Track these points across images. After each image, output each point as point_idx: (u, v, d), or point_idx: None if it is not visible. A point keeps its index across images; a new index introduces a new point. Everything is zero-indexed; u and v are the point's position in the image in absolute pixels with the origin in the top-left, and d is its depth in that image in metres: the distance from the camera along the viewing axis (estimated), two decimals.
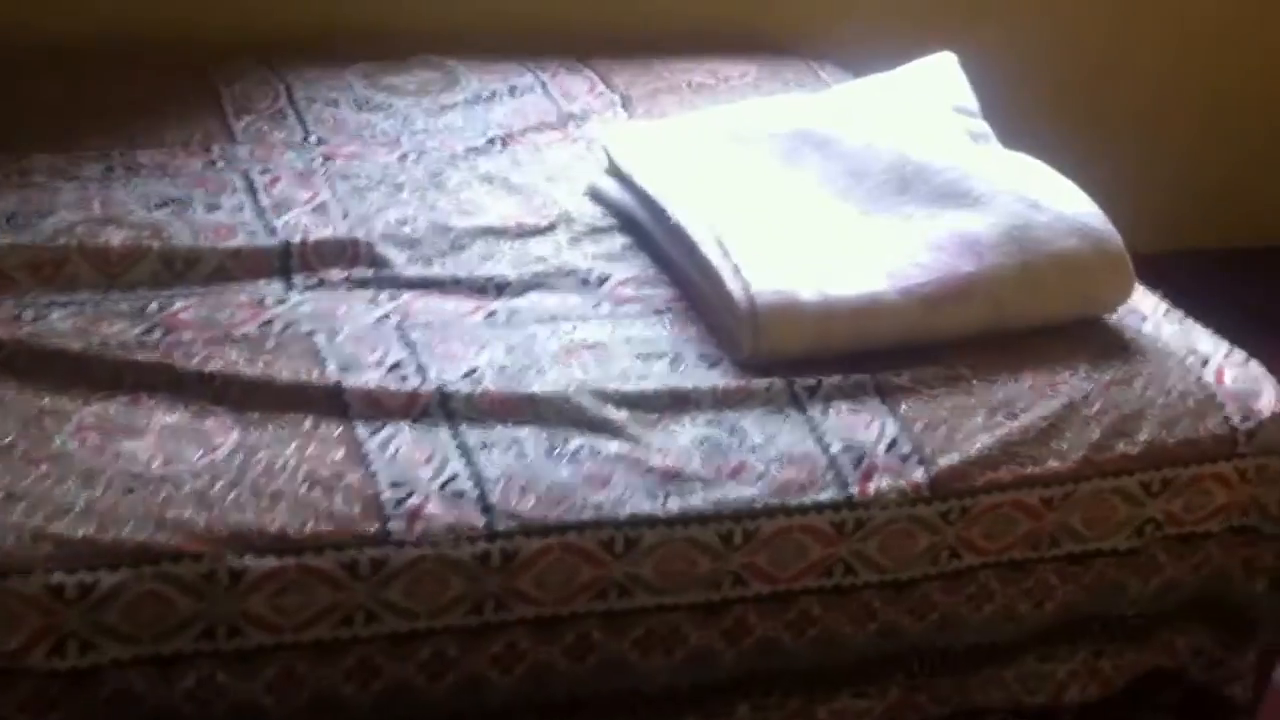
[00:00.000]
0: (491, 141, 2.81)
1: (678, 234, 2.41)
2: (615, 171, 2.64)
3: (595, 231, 2.57)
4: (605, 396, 2.14)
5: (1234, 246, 4.09)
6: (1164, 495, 2.25)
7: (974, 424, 2.20)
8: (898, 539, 2.12)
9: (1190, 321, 2.50)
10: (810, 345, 2.27)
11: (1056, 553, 2.22)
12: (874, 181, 2.50)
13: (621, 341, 2.28)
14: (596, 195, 2.65)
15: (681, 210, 2.43)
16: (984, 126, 2.71)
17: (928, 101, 2.73)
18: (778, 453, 2.11)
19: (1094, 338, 2.41)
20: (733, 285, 2.27)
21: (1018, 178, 2.48)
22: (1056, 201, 2.43)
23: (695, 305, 2.37)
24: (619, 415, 2.12)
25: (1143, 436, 2.25)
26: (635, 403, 2.15)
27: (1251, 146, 4.05)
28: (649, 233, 2.52)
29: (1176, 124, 3.94)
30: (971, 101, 2.79)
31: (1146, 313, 2.50)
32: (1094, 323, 2.44)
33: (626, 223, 2.57)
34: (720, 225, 2.38)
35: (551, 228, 2.55)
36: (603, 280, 2.43)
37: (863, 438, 2.16)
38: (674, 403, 2.16)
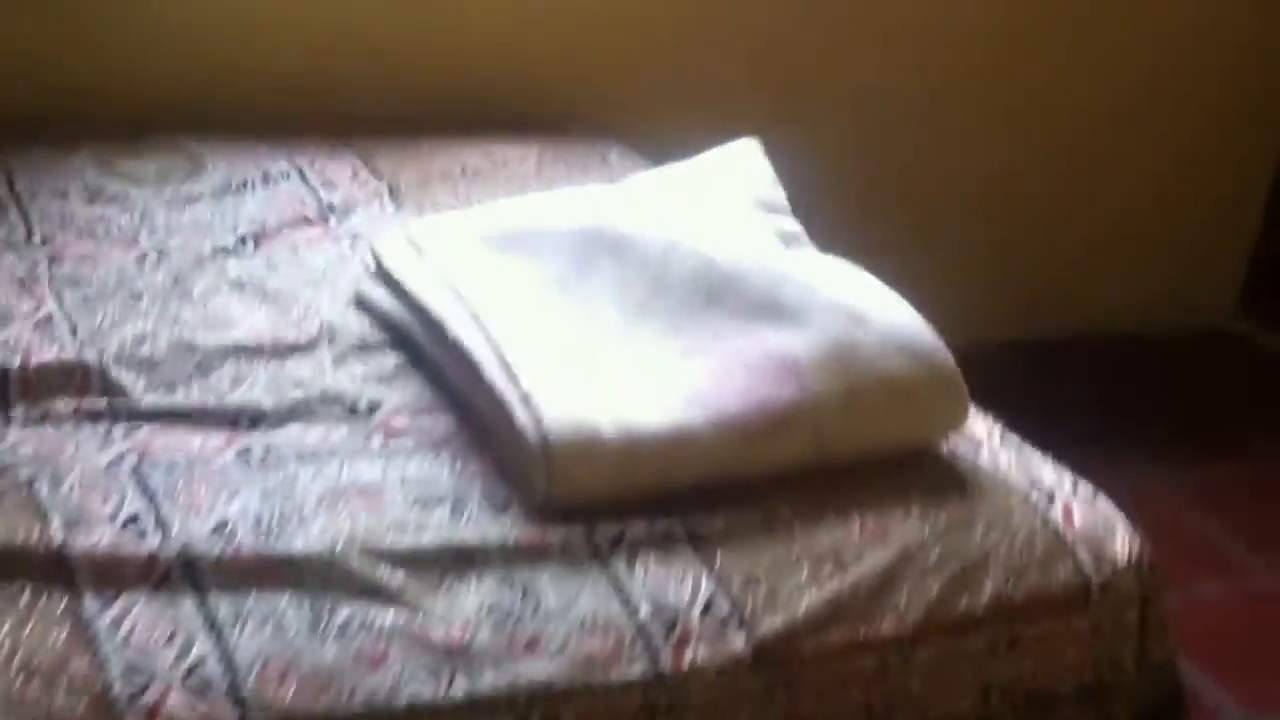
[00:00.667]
0: (243, 240, 2.50)
1: (457, 353, 2.12)
2: (385, 277, 2.33)
3: (363, 349, 2.26)
4: (378, 555, 1.84)
5: (1043, 338, 3.90)
6: (1011, 655, 2.00)
7: (798, 579, 1.93)
8: (717, 716, 1.83)
9: (1028, 449, 2.26)
10: (612, 486, 1.99)
11: None
12: (678, 293, 2.22)
13: (396, 484, 1.98)
14: (363, 304, 2.34)
15: (461, 326, 2.14)
16: (794, 224, 2.45)
17: (732, 195, 2.47)
18: (578, 619, 1.82)
19: (926, 471, 2.16)
20: (522, 417, 1.98)
21: (836, 287, 2.22)
22: (881, 315, 2.17)
23: (480, 437, 2.07)
24: (394, 578, 1.82)
25: (987, 589, 2.00)
26: (413, 562, 1.85)
27: (1066, 241, 3.90)
28: (424, 350, 2.22)
29: (995, 218, 3.74)
30: (779, 195, 2.53)
31: (980, 438, 2.25)
32: (925, 454, 2.18)
33: (398, 338, 2.27)
34: (506, 344, 2.09)
35: (313, 344, 2.25)
36: (373, 408, 2.13)
37: (674, 598, 1.87)
38: (458, 560, 1.87)
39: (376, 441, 2.07)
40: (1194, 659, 2.69)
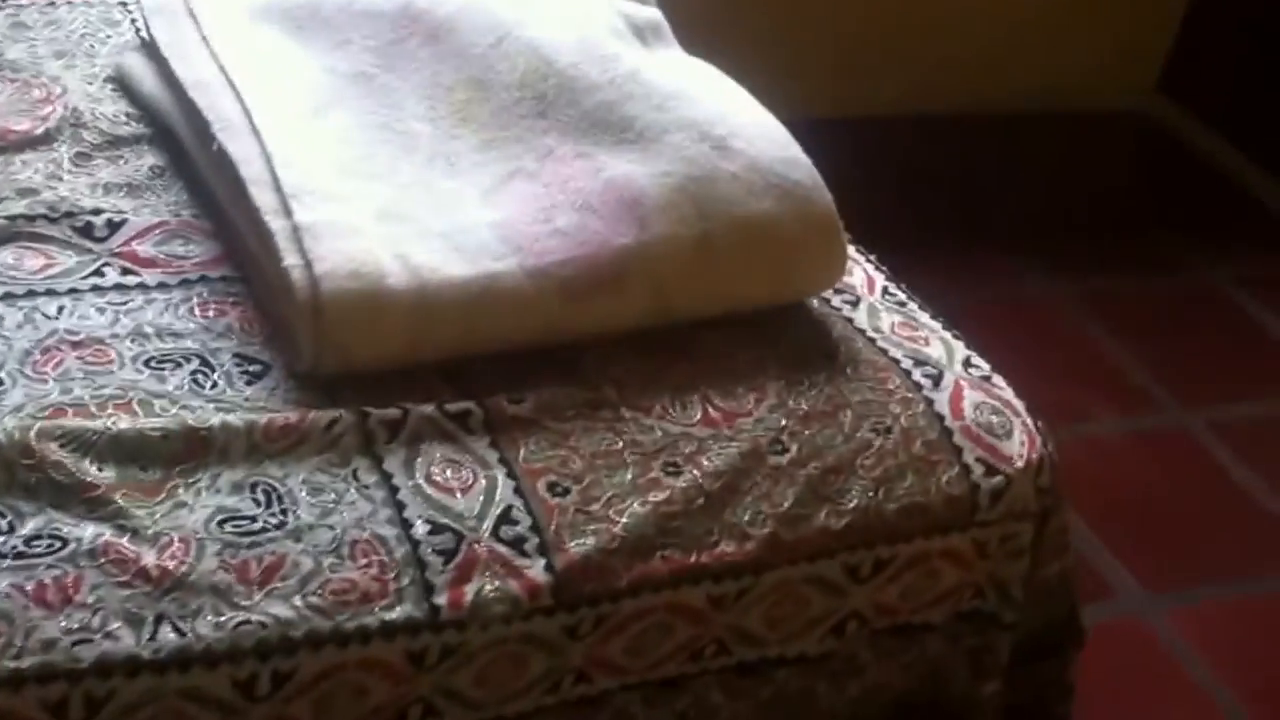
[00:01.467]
0: None
1: (222, 162, 1.69)
2: (152, 50, 1.89)
3: (114, 144, 1.86)
4: (84, 442, 1.43)
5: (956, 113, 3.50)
6: (874, 581, 1.64)
7: (621, 482, 1.56)
8: (502, 666, 1.46)
9: (915, 305, 1.88)
10: (399, 351, 1.59)
11: (725, 663, 1.59)
12: (503, 98, 1.81)
13: (126, 336, 1.59)
14: (124, 83, 1.90)
15: (229, 127, 1.71)
16: (653, 12, 2.01)
17: None
18: (333, 539, 1.44)
19: (788, 336, 1.78)
20: (289, 258, 1.57)
21: (696, 100, 1.80)
22: (748, 141, 1.77)
23: (244, 273, 1.66)
24: (103, 476, 1.41)
25: (851, 501, 1.63)
26: (128, 452, 1.45)
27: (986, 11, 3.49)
28: (188, 150, 1.79)
29: None
30: None
31: (859, 289, 1.87)
32: (789, 312, 1.79)
33: (161, 131, 1.84)
34: (282, 156, 1.67)
35: (49, 138, 1.83)
36: (114, 227, 1.71)
37: (461, 511, 1.49)
38: (187, 451, 1.48)
39: (111, 275, 1.67)
40: (1090, 523, 2.35)
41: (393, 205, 1.68)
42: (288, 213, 1.62)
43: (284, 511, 1.45)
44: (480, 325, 1.62)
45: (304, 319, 1.56)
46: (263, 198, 1.64)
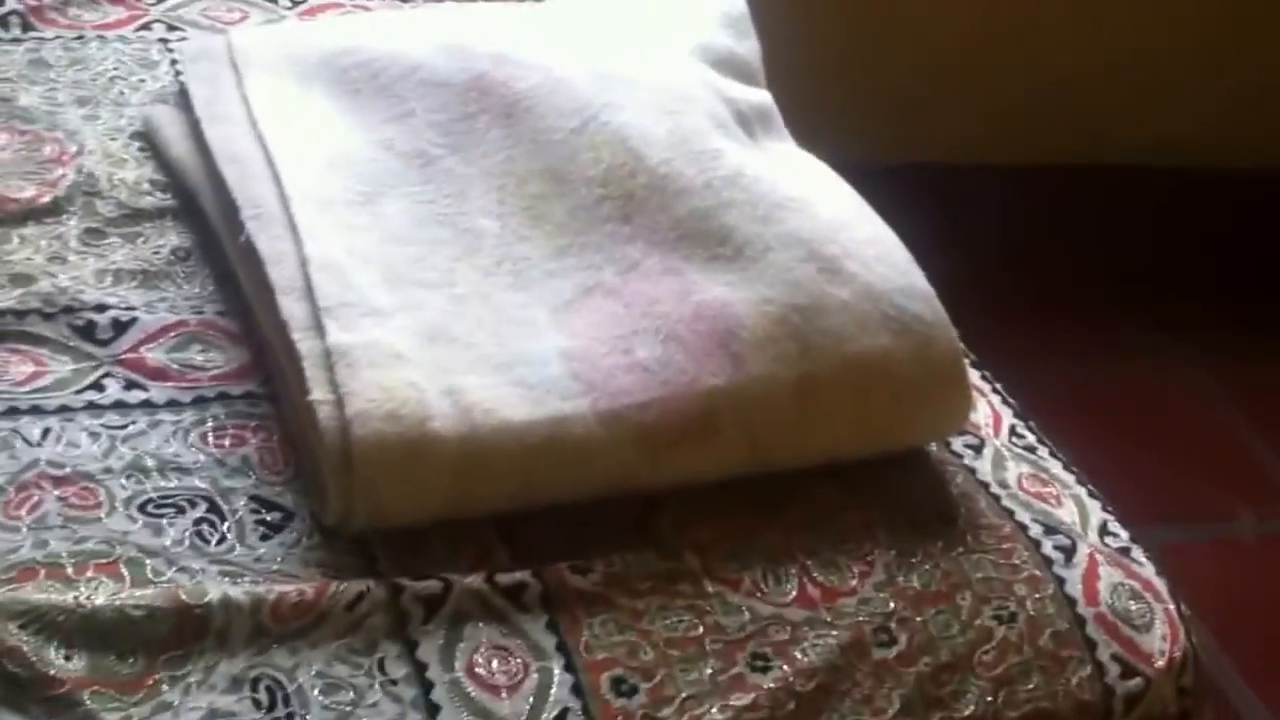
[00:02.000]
0: (7, 16, 1.79)
1: (250, 256, 1.44)
2: (188, 102, 1.64)
3: (133, 218, 1.61)
4: (50, 623, 1.19)
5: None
6: None
7: (699, 679, 1.32)
8: None
9: (1045, 453, 1.62)
10: (443, 507, 1.34)
11: None
12: (583, 194, 1.56)
13: (122, 473, 1.35)
14: (152, 141, 1.66)
15: (260, 214, 1.46)
16: (764, 98, 1.74)
17: (676, 41, 1.76)
18: None
19: (902, 489, 1.53)
20: (318, 391, 1.32)
21: (807, 212, 1.54)
22: (863, 263, 1.51)
23: (271, 384, 1.42)
24: (71, 667, 1.17)
25: (967, 706, 1.38)
26: (107, 636, 1.19)
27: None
28: (216, 230, 1.55)
29: None
30: (748, 45, 1.82)
31: (982, 431, 1.60)
32: (904, 457, 1.53)
33: (190, 202, 1.59)
34: (319, 255, 1.42)
35: (56, 208, 1.56)
36: (121, 328, 1.47)
37: (506, 713, 1.24)
38: (178, 635, 1.23)
39: (112, 389, 1.42)
40: (1220, 640, 2.07)
41: (446, 323, 1.43)
42: (320, 331, 1.37)
43: (289, 716, 1.20)
44: (541, 478, 1.38)
45: (331, 467, 1.32)
46: (293, 310, 1.40)
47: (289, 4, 1.92)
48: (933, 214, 1.92)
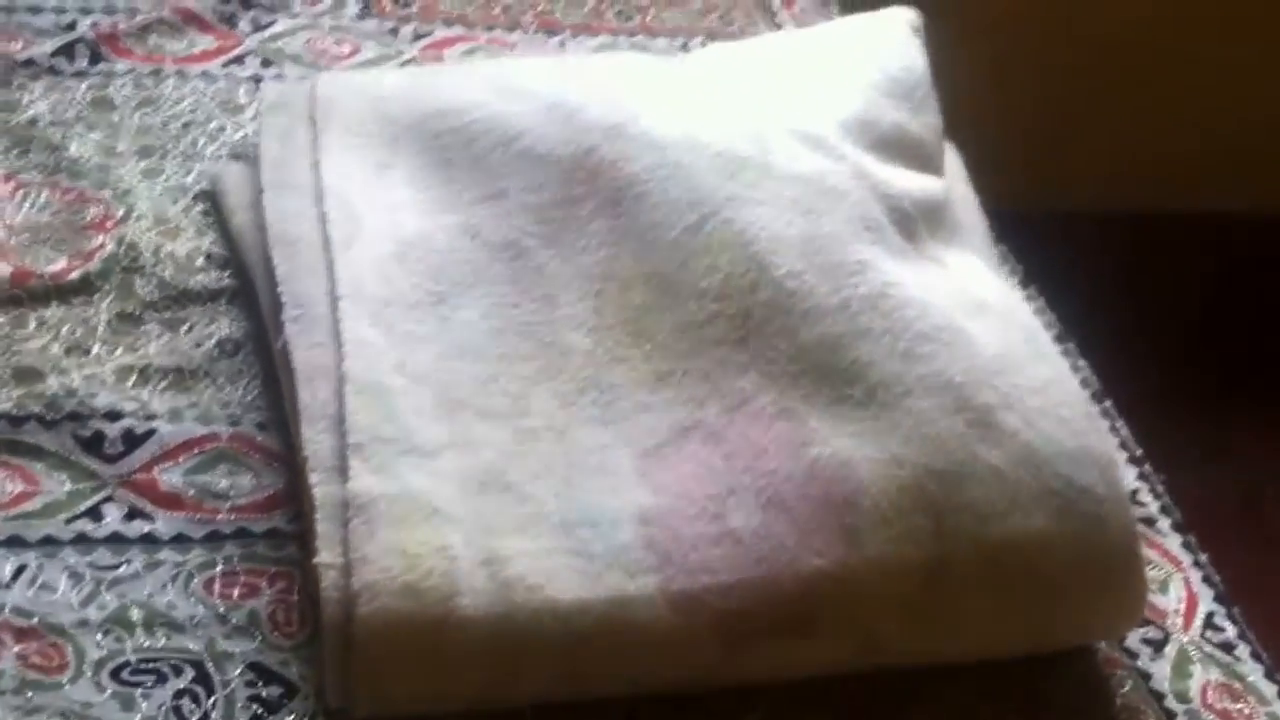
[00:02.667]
0: (71, 46, 1.57)
1: (286, 364, 1.21)
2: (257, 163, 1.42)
3: (177, 301, 1.38)
4: None
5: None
6: None
7: None
8: None
9: (1245, 651, 1.33)
10: (469, 698, 1.10)
11: None
12: (692, 310, 1.29)
13: (99, 627, 1.14)
14: (218, 199, 1.43)
15: (307, 312, 1.23)
16: (936, 189, 1.46)
17: (830, 111, 1.48)
18: None
19: (1049, 697, 1.24)
20: (325, 552, 1.09)
21: (964, 346, 1.26)
22: (1025, 417, 1.23)
23: (301, 521, 1.19)
24: None
25: None
26: None
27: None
28: (266, 320, 1.32)
29: None
30: (926, 119, 1.53)
31: (1167, 621, 1.33)
32: (1053, 659, 1.25)
33: (248, 280, 1.37)
34: (363, 373, 1.18)
35: (88, 285, 1.34)
36: (134, 441, 1.24)
37: None
38: None
39: (111, 518, 1.20)
40: None
41: (504, 466, 1.19)
42: (343, 473, 1.13)
43: None
44: (591, 670, 1.12)
45: (330, 645, 1.08)
46: (318, 444, 1.16)
47: (410, 37, 1.67)
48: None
